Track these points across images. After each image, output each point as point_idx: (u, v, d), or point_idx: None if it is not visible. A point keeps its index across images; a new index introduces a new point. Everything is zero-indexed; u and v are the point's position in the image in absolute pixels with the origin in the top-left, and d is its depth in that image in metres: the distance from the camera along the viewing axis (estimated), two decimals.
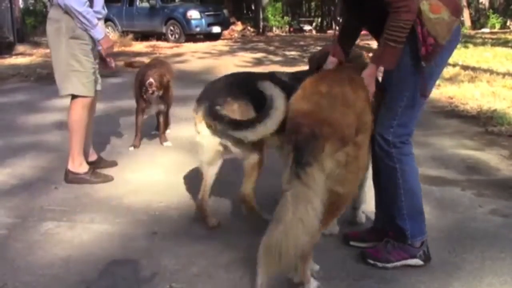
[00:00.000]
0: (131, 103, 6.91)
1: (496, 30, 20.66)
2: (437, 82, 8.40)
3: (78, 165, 3.99)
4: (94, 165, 4.17)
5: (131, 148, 4.88)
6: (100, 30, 3.82)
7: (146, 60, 6.78)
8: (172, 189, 3.87)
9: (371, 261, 2.71)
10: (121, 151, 4.84)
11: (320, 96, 2.36)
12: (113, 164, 4.41)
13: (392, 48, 2.43)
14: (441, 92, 7.20)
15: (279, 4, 24.54)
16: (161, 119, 5.11)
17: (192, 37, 16.76)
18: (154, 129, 5.39)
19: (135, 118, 4.98)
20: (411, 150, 2.67)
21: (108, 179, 4.04)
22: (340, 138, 2.23)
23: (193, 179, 4.06)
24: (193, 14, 16.79)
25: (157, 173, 4.24)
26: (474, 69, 8.86)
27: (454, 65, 8.93)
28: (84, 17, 3.66)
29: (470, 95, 6.91)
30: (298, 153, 2.18)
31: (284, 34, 22.09)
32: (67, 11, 3.69)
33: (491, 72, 8.43)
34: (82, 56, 3.82)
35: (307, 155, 2.16)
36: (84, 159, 4.06)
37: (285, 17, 24.38)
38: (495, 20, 22.88)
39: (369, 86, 2.57)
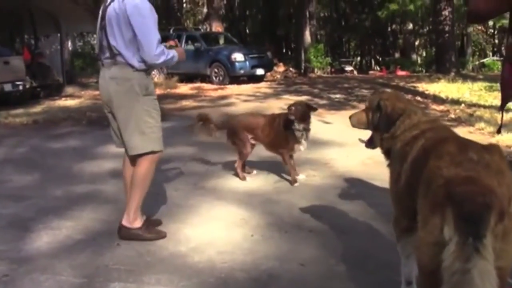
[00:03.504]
0: (182, 149, 6.96)
1: None
2: (489, 128, 7.85)
3: (133, 220, 3.93)
4: (147, 221, 4.07)
5: (296, 184, 5.31)
6: (174, 54, 3.86)
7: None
8: (235, 247, 3.77)
9: None
10: (178, 203, 4.79)
11: (474, 163, 2.16)
12: (158, 223, 4.23)
13: None
14: (497, 140, 6.91)
15: (321, 45, 24.65)
16: (293, 159, 5.46)
17: (235, 79, 16.96)
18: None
19: (287, 162, 5.37)
20: None
21: (161, 235, 3.96)
22: (501, 209, 2.03)
23: (254, 236, 4.00)
24: (238, 56, 17.07)
25: (217, 229, 4.15)
26: None
27: (507, 110, 8.60)
28: (167, 59, 3.76)
29: None
30: (472, 225, 1.96)
31: (326, 75, 22.13)
32: (147, 67, 3.76)
33: None
34: (155, 111, 3.87)
35: (483, 227, 1.95)
36: (140, 215, 3.99)
37: (326, 58, 24.44)
38: None
39: None
